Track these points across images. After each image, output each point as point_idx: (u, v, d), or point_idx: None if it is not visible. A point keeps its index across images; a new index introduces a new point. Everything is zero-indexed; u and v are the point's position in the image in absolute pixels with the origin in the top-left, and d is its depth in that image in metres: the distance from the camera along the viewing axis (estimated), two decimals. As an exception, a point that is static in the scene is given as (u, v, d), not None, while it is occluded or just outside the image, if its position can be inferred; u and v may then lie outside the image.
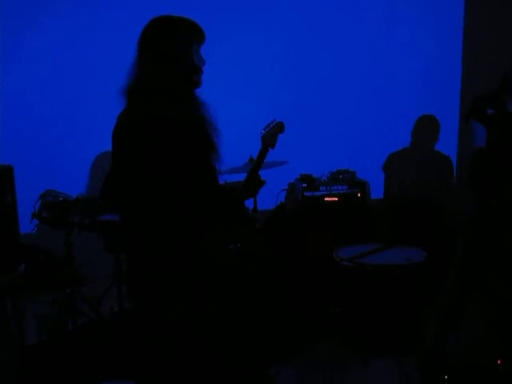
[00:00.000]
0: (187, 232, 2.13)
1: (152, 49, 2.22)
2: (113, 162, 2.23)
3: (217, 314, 2.20)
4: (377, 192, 5.28)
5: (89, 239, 3.92)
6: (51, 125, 4.73)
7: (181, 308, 2.13)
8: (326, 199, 4.68)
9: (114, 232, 3.73)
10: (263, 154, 2.69)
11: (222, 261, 2.27)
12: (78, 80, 4.68)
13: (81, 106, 4.72)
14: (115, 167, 2.21)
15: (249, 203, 4.17)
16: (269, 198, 4.66)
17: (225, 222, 2.35)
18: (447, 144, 5.19)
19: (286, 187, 4.94)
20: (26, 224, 3.74)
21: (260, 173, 3.49)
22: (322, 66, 5.17)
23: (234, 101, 4.73)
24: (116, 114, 2.24)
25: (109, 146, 2.24)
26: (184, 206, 2.12)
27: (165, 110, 2.11)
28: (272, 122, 2.81)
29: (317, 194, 4.70)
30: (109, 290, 4.14)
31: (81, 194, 3.77)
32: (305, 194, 4.67)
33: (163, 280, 2.12)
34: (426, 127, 5.10)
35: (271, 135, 2.73)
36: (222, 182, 2.46)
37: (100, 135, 4.60)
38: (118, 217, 2.36)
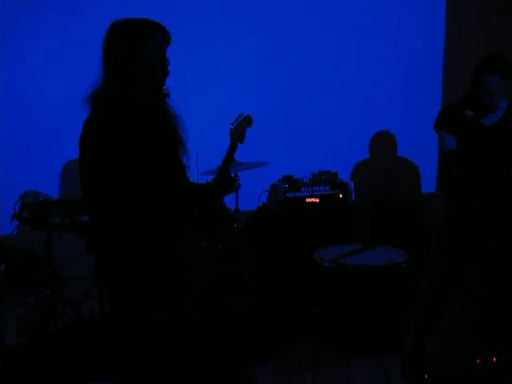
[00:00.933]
0: (158, 231, 2.11)
1: (122, 55, 2.14)
2: (79, 167, 2.18)
3: (193, 314, 2.20)
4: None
5: (70, 240, 3.89)
6: (31, 125, 4.69)
7: (156, 310, 2.11)
8: (307, 200, 4.70)
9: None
10: (232, 149, 2.65)
11: (194, 260, 2.26)
12: (61, 81, 4.67)
13: (62, 106, 4.69)
14: (82, 172, 2.15)
15: (231, 204, 4.17)
16: (251, 198, 4.67)
17: (196, 219, 2.32)
18: (431, 146, 5.24)
19: (268, 188, 4.95)
20: (6, 225, 3.71)
21: (242, 174, 3.51)
22: (304, 66, 5.17)
23: (214, 100, 4.74)
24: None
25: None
26: (153, 204, 2.10)
27: (130, 108, 2.09)
28: (240, 116, 2.79)
29: (299, 194, 4.72)
30: (90, 291, 4.12)
31: (61, 194, 3.73)
32: (287, 194, 4.69)
33: (134, 282, 2.09)
34: (383, 140, 5.27)
35: (239, 130, 2.70)
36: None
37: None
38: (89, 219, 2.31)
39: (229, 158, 2.61)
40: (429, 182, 5.41)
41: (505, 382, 3.14)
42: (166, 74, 2.21)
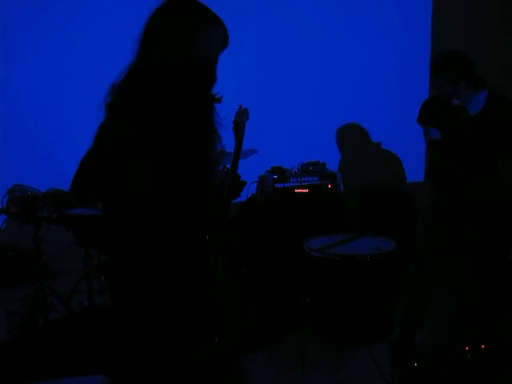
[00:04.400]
0: (176, 235, 1.94)
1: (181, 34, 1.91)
2: (99, 139, 1.97)
3: (189, 307, 2.17)
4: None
5: (58, 234, 3.88)
6: (19, 118, 4.67)
7: (159, 307, 2.06)
8: (296, 191, 4.71)
9: (84, 226, 3.70)
10: (238, 148, 2.45)
11: (203, 266, 2.12)
12: (53, 77, 4.67)
13: (50, 102, 4.70)
14: (103, 147, 1.94)
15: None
16: (240, 190, 4.66)
17: (209, 228, 2.17)
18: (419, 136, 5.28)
19: (257, 179, 4.95)
20: (-6, 220, 3.70)
21: (230, 165, 3.48)
22: (292, 57, 5.18)
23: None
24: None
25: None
26: (178, 206, 1.90)
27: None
28: (239, 109, 2.58)
29: (287, 185, 4.72)
30: (79, 285, 4.11)
31: (49, 188, 3.71)
32: (276, 185, 4.69)
33: (148, 282, 1.97)
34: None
35: (242, 127, 2.51)
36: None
37: (67, 131, 4.63)
38: (101, 208, 2.15)
39: (237, 158, 2.40)
40: (417, 172, 5.44)
41: (493, 369, 3.18)
42: (214, 78, 2.02)
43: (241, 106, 2.56)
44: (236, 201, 4.52)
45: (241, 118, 2.50)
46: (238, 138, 2.47)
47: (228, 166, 3.67)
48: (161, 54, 1.93)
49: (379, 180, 5.38)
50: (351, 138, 5.44)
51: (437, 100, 3.24)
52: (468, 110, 3.14)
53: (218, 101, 2.02)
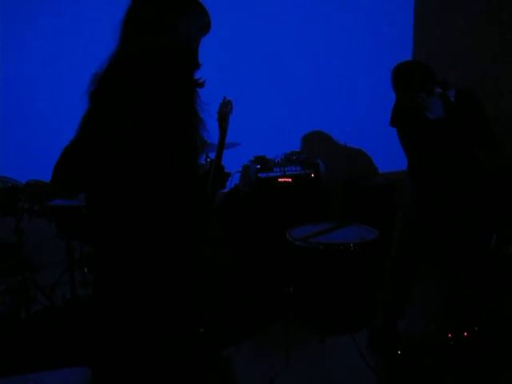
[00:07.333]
0: (163, 224, 1.94)
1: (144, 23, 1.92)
2: (82, 128, 1.97)
3: (174, 297, 2.16)
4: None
5: (40, 225, 3.85)
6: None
7: (144, 298, 2.04)
8: (279, 180, 4.70)
9: (66, 217, 3.67)
10: (222, 140, 2.42)
11: (189, 257, 2.08)
12: (38, 68, 4.63)
13: (29, 94, 4.66)
14: (87, 135, 1.93)
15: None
16: (223, 180, 4.66)
17: (196, 218, 2.14)
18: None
19: (240, 169, 4.94)
20: (-26, 212, 3.65)
21: (213, 155, 3.45)
22: (274, 47, 5.17)
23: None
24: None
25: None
26: (164, 193, 1.90)
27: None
28: (223, 101, 2.53)
29: (271, 175, 4.71)
30: (61, 277, 4.09)
31: (30, 179, 3.68)
32: (259, 175, 4.68)
33: (134, 272, 1.97)
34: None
35: (227, 118, 2.46)
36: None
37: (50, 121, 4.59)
38: (86, 199, 2.08)
39: (221, 150, 2.37)
40: (401, 161, 5.46)
41: (476, 356, 3.21)
42: (196, 64, 2.03)
43: (225, 98, 2.53)
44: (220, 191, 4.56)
45: (225, 109, 2.47)
46: (223, 129, 2.44)
47: (212, 156, 3.66)
48: (142, 40, 1.92)
49: (361, 169, 5.40)
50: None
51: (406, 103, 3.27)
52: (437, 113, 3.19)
53: (201, 85, 2.03)
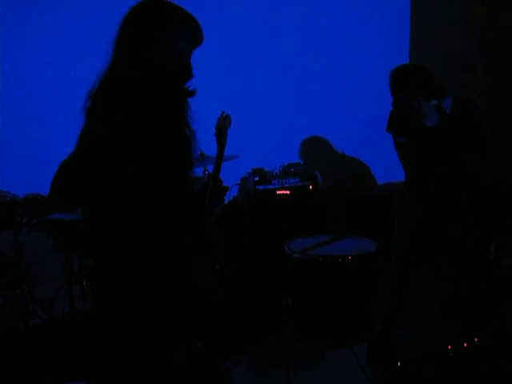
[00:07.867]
0: (159, 238, 1.96)
1: (148, 33, 1.96)
2: (79, 144, 2.00)
3: (172, 311, 2.16)
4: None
5: (38, 239, 3.85)
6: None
7: (142, 312, 2.04)
8: (278, 192, 4.71)
9: (64, 231, 3.67)
10: (221, 154, 2.41)
11: (186, 270, 2.11)
12: (37, 80, 4.64)
13: (28, 108, 4.67)
14: (81, 151, 1.98)
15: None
16: (221, 192, 4.66)
17: (191, 232, 2.16)
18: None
19: (239, 182, 4.95)
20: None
21: (211, 168, 3.46)
22: (271, 59, 5.18)
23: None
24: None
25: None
26: (159, 205, 1.93)
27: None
28: (221, 115, 2.52)
29: (269, 187, 4.72)
30: (60, 291, 4.08)
31: (28, 193, 3.68)
32: (257, 187, 4.69)
33: (131, 286, 1.98)
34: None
35: (225, 133, 2.46)
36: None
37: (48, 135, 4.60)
38: (82, 214, 2.14)
39: (219, 164, 2.37)
40: (399, 171, 5.47)
41: (476, 367, 3.20)
42: (188, 74, 2.04)
43: (223, 112, 2.53)
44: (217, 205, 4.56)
45: (223, 123, 2.46)
46: (221, 144, 2.44)
47: (210, 169, 3.66)
48: (130, 58, 1.96)
49: (359, 180, 5.41)
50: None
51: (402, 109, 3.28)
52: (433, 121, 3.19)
53: (192, 94, 2.05)
